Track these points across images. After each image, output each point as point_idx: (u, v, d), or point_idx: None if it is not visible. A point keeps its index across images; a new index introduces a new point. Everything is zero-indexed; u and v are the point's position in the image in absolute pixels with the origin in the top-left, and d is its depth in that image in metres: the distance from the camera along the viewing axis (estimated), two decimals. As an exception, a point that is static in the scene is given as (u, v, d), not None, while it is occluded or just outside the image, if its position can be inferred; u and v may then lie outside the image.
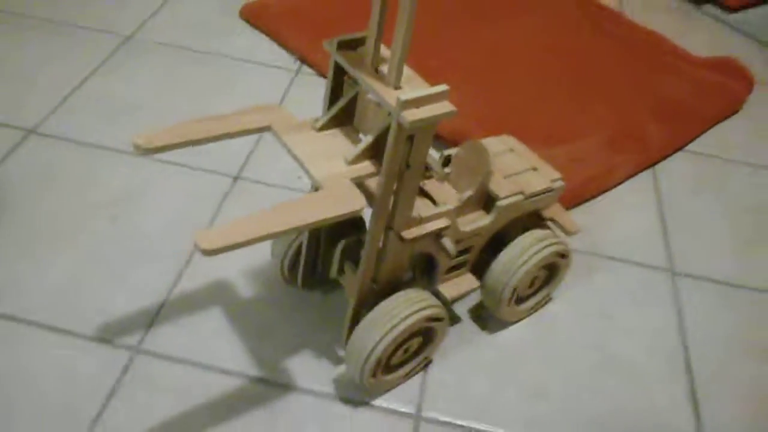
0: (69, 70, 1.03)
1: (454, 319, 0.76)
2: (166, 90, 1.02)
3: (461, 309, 0.77)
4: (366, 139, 0.53)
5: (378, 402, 0.67)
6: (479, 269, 0.72)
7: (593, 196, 0.95)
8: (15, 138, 0.90)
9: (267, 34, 1.17)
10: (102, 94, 1.00)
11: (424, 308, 0.62)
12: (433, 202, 0.65)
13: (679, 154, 1.06)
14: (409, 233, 0.59)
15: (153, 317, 0.71)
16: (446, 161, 0.71)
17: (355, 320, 0.64)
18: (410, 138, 0.52)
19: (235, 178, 0.89)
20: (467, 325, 0.76)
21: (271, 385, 0.67)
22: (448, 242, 0.63)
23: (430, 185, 0.66)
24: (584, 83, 1.14)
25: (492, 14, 1.29)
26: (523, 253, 0.70)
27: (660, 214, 0.94)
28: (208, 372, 0.67)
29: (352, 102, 0.56)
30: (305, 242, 0.68)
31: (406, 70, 0.53)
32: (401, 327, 0.61)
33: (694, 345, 0.77)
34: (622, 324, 0.78)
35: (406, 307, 0.62)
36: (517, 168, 0.72)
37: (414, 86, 0.51)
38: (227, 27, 1.18)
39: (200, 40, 1.14)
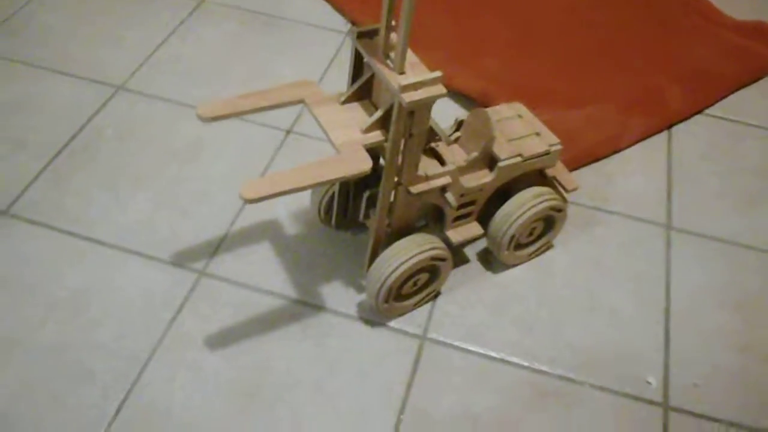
0: (150, 32, 1.19)
1: (463, 260, 0.89)
2: (232, 51, 1.17)
3: (471, 252, 0.90)
4: (377, 113, 0.66)
5: (392, 324, 0.82)
6: (488, 218, 0.85)
7: (605, 156, 1.05)
8: (107, 93, 1.07)
9: (323, -2, 1.29)
10: (177, 55, 1.15)
11: (428, 249, 0.76)
12: (442, 162, 0.78)
13: (697, 117, 1.13)
14: (415, 188, 0.73)
15: (216, 247, 0.88)
16: (458, 126, 0.83)
17: (374, 256, 0.79)
18: (411, 113, 0.64)
19: (288, 132, 1.04)
20: (474, 265, 0.89)
21: (306, 305, 0.83)
22: (450, 196, 0.76)
23: (441, 147, 0.79)
24: (609, 50, 1.22)
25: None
26: (521, 206, 0.82)
27: (668, 174, 1.03)
28: (257, 293, 0.83)
29: (370, 80, 0.69)
30: (337, 191, 0.83)
31: (411, 57, 0.65)
32: (409, 263, 0.75)
33: (675, 294, 0.88)
34: (612, 272, 0.89)
35: (413, 248, 0.76)
36: (520, 132, 0.84)
37: (416, 72, 0.64)
38: (288, -10, 1.31)
39: (264, 2, 1.27)
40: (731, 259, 0.92)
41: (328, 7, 1.28)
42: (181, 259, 0.86)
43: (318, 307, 0.83)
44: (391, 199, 0.74)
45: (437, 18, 1.26)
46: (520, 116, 0.87)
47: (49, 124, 1.02)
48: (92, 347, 0.77)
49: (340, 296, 0.84)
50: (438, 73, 0.63)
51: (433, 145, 0.79)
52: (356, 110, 0.69)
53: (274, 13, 1.25)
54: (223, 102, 0.67)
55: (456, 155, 0.80)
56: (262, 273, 0.85)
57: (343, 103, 0.69)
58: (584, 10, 1.31)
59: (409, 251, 0.75)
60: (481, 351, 0.80)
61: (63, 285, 0.83)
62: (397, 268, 0.75)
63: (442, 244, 0.78)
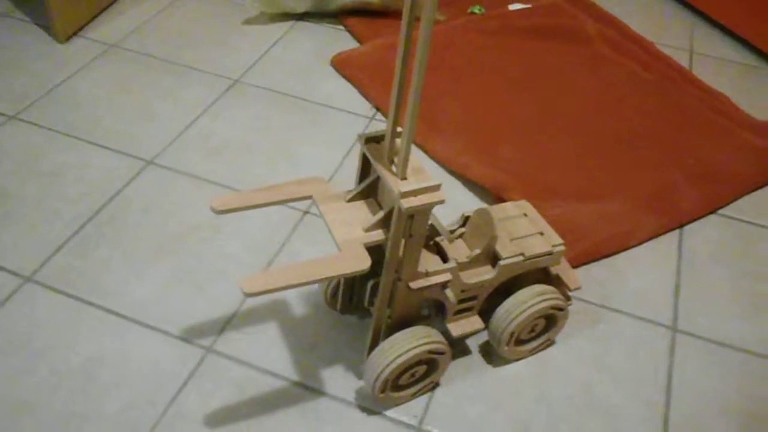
0: (183, 109, 1.26)
1: (464, 351, 0.91)
2: (261, 131, 1.22)
3: (473, 343, 0.92)
4: (378, 214, 0.69)
5: (389, 413, 0.83)
6: (491, 311, 0.87)
7: (614, 253, 1.06)
8: (137, 167, 1.13)
9: (351, 82, 1.35)
10: (208, 132, 1.21)
11: (426, 343, 0.78)
12: (444, 257, 0.80)
13: (710, 216, 1.14)
14: (415, 283, 0.75)
15: (224, 325, 0.91)
16: (464, 221, 0.86)
17: (374, 345, 0.81)
18: (411, 216, 0.68)
19: (305, 212, 1.08)
20: (475, 357, 0.90)
21: (306, 389, 0.85)
22: (450, 292, 0.78)
23: (445, 243, 0.82)
24: (627, 141, 1.24)
25: (553, 74, 1.41)
26: (521, 304, 0.84)
27: (677, 274, 1.04)
28: (260, 372, 0.86)
29: (376, 180, 0.73)
30: (343, 278, 0.86)
31: (415, 163, 0.69)
32: (406, 356, 0.77)
33: (676, 398, 0.87)
34: (613, 372, 0.90)
35: (411, 341, 0.78)
36: (524, 232, 0.86)
37: (418, 178, 0.67)
38: (319, 73, 1.38)
39: (294, 85, 1.34)
40: (737, 367, 0.92)
41: (355, 93, 1.34)
42: (191, 335, 0.89)
43: (317, 392, 0.85)
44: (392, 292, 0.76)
45: (456, 102, 1.31)
46: (525, 215, 0.89)
47: (81, 194, 1.08)
48: (98, 418, 0.80)
49: (339, 381, 0.86)
50: (437, 182, 0.66)
51: (438, 239, 0.82)
52: (361, 209, 0.73)
53: (303, 96, 1.32)
54: (236, 196, 0.71)
55: (459, 251, 0.82)
56: (267, 353, 0.88)
57: (349, 201, 0.73)
58: (608, 99, 1.35)
59: (406, 344, 0.77)
60: (475, 447, 0.81)
61: (76, 352, 0.86)
62: (393, 360, 0.77)
63: (440, 338, 0.80)
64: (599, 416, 0.85)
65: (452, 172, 1.17)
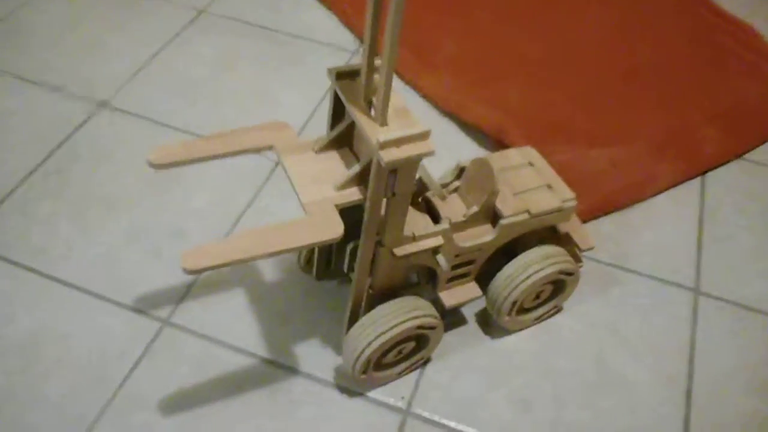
0: (142, 43, 1.11)
1: (459, 321, 0.79)
2: (230, 68, 1.08)
3: (468, 311, 0.80)
4: (353, 168, 0.57)
5: (372, 394, 0.72)
6: (490, 275, 0.75)
7: (629, 204, 0.94)
8: (88, 110, 1.00)
9: (331, 11, 1.20)
10: (169, 69, 1.07)
11: (414, 317, 0.67)
12: (436, 217, 0.68)
13: (736, 162, 1.02)
14: (401, 250, 0.63)
15: (184, 293, 0.79)
16: (460, 172, 0.74)
17: (353, 320, 0.69)
18: (394, 171, 0.55)
19: (277, 163, 0.95)
20: (471, 327, 0.79)
21: (277, 366, 0.74)
22: (442, 259, 0.66)
23: (437, 199, 0.69)
24: (641, 80, 1.11)
25: (559, 3, 1.26)
26: (526, 269, 0.72)
27: (699, 229, 0.92)
28: (224, 348, 0.75)
29: (352, 126, 0.60)
30: (318, 241, 0.73)
31: (398, 104, 0.55)
32: (390, 334, 0.65)
33: (699, 372, 0.77)
34: (628, 342, 0.79)
35: (396, 315, 0.66)
36: (530, 184, 0.74)
37: (401, 123, 0.54)
38: (294, 1, 1.22)
39: (267, 15, 1.18)
40: (763, 333, 0.81)
41: (337, 22, 1.19)
42: (145, 305, 0.78)
43: (290, 370, 0.74)
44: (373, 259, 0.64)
45: (449, 31, 1.16)
46: (531, 164, 0.77)
47: (23, 142, 0.94)
48: (38, 401, 0.69)
49: (316, 357, 0.75)
50: (425, 128, 0.53)
51: (428, 195, 0.70)
52: (333, 161, 0.60)
53: (277, 27, 1.17)
54: (179, 146, 0.58)
55: (453, 208, 0.70)
56: (232, 326, 0.77)
57: (319, 151, 0.60)
58: (621, 31, 1.20)
59: (391, 319, 0.66)
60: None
61: (13, 327, 0.75)
62: (376, 338, 0.65)
63: (431, 311, 0.68)
64: (613, 392, 0.74)
65: (446, 113, 1.04)
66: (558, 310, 0.81)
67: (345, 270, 0.74)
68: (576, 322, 0.80)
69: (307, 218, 0.55)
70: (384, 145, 0.52)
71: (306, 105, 1.03)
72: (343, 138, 0.60)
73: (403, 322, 0.66)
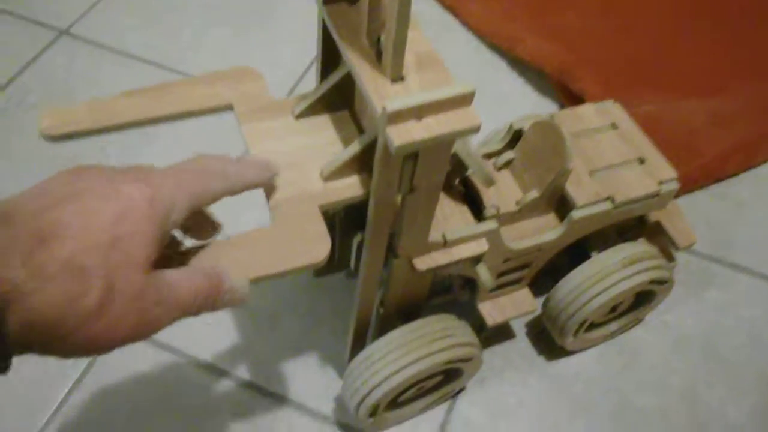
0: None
1: (505, 334, 0.60)
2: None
3: (518, 321, 0.60)
4: (350, 148, 0.36)
5: (384, 435, 0.54)
6: (549, 273, 0.55)
7: (733, 174, 0.71)
8: (46, 38, 0.80)
9: None
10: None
11: (441, 350, 0.47)
12: (478, 205, 0.47)
13: None
14: (424, 261, 0.43)
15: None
16: (513, 139, 0.52)
17: (358, 345, 0.50)
18: (415, 156, 0.34)
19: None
20: (520, 343, 0.59)
21: (260, 392, 0.55)
22: (485, 271, 0.46)
23: (478, 182, 0.48)
24: (744, 15, 0.85)
25: None
26: (601, 279, 0.51)
27: (825, 208, 0.69)
28: (190, 365, 0.56)
29: (351, 78, 0.39)
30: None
31: (421, 45, 0.34)
32: (405, 373, 0.46)
33: (829, 415, 0.56)
34: (731, 367, 0.58)
35: (417, 347, 0.47)
36: (613, 158, 0.52)
37: (425, 78, 0.33)
38: None
39: None
40: None
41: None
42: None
43: (277, 398, 0.55)
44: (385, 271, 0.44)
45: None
46: (614, 126, 0.55)
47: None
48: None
49: (311, 382, 0.56)
50: (467, 88, 0.32)
51: (468, 174, 0.49)
52: (320, 131, 0.39)
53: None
54: (86, 107, 0.37)
55: (503, 191, 0.49)
56: (201, 335, 0.58)
57: (302, 116, 0.39)
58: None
59: (408, 352, 0.46)
60: (515, 499, 0.52)
61: None
62: (386, 379, 0.46)
63: (467, 337, 0.49)
64: (710, 445, 0.54)
65: (495, 49, 0.81)
66: (637, 322, 0.60)
67: (352, 266, 0.54)
68: (659, 338, 0.60)
69: (273, 230, 0.34)
70: (396, 117, 0.31)
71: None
72: (339, 95, 0.39)
73: (426, 357, 0.46)
